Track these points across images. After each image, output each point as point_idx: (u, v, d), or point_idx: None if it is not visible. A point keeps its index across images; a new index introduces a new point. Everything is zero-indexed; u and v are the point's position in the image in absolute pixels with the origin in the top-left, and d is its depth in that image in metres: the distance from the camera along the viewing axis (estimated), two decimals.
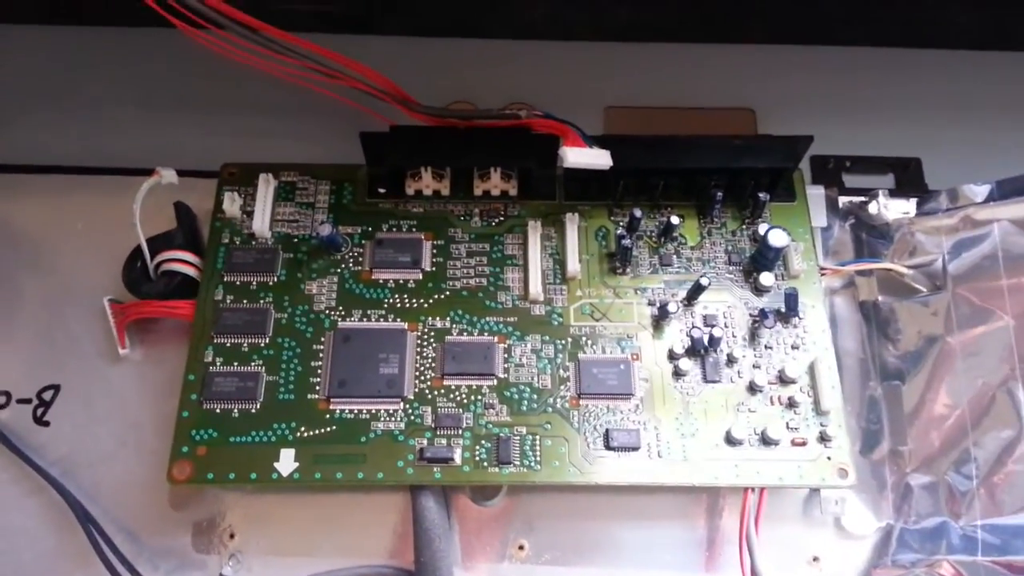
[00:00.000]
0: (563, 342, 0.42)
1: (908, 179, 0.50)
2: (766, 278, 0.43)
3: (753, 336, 0.42)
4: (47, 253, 0.48)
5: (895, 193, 0.47)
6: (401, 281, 0.43)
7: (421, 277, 0.43)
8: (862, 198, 0.46)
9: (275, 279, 0.43)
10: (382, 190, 0.45)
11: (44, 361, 0.45)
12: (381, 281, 0.43)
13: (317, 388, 0.41)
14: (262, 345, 0.42)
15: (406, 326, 0.42)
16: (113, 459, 0.43)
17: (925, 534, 0.40)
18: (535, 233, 0.44)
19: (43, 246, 0.48)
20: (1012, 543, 0.37)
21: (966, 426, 0.40)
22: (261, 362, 0.41)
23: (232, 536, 0.42)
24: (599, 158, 0.41)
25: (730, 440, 0.40)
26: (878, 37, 0.55)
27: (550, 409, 0.41)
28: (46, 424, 0.44)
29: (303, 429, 0.40)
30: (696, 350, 0.41)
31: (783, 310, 0.42)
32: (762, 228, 0.43)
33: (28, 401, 0.44)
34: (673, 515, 0.42)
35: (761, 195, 0.44)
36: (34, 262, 0.48)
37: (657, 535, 0.42)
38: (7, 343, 0.46)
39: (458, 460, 0.39)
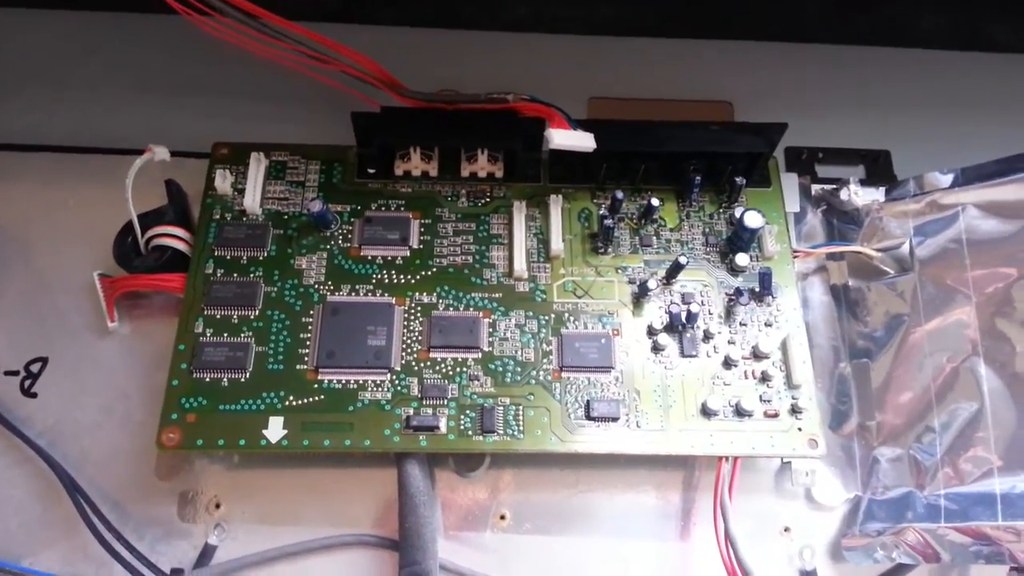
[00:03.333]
0: (546, 317, 0.43)
1: (878, 170, 0.52)
2: (742, 258, 0.44)
3: (729, 313, 0.44)
4: (38, 230, 0.48)
5: (865, 183, 0.49)
6: (389, 257, 0.44)
7: (408, 254, 0.44)
8: (833, 186, 0.48)
9: (265, 254, 0.44)
10: (371, 170, 0.46)
11: (32, 334, 0.46)
12: (369, 257, 0.44)
13: (306, 359, 0.42)
14: (252, 317, 0.42)
15: (393, 300, 0.43)
16: (100, 430, 0.44)
17: (891, 504, 0.41)
18: (520, 214, 0.45)
19: (34, 223, 0.48)
20: (972, 509, 0.38)
21: (931, 401, 0.42)
22: (251, 333, 0.42)
23: (218, 506, 0.43)
24: (583, 140, 0.42)
25: (705, 412, 0.41)
26: (851, 36, 0.57)
27: (533, 381, 0.42)
28: (33, 396, 0.44)
29: (292, 398, 0.41)
30: (674, 326, 0.43)
31: (757, 289, 0.44)
32: (738, 212, 0.45)
33: (16, 373, 0.45)
34: (650, 487, 0.44)
35: (738, 180, 0.45)
36: (24, 238, 0.48)
37: (635, 506, 0.43)
38: None
39: (443, 429, 0.40)
